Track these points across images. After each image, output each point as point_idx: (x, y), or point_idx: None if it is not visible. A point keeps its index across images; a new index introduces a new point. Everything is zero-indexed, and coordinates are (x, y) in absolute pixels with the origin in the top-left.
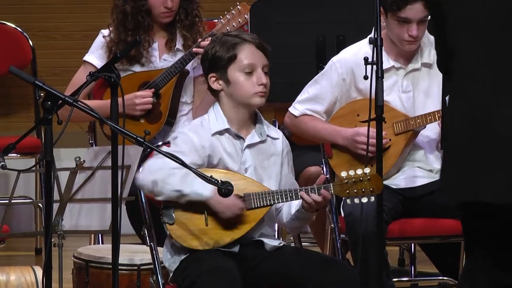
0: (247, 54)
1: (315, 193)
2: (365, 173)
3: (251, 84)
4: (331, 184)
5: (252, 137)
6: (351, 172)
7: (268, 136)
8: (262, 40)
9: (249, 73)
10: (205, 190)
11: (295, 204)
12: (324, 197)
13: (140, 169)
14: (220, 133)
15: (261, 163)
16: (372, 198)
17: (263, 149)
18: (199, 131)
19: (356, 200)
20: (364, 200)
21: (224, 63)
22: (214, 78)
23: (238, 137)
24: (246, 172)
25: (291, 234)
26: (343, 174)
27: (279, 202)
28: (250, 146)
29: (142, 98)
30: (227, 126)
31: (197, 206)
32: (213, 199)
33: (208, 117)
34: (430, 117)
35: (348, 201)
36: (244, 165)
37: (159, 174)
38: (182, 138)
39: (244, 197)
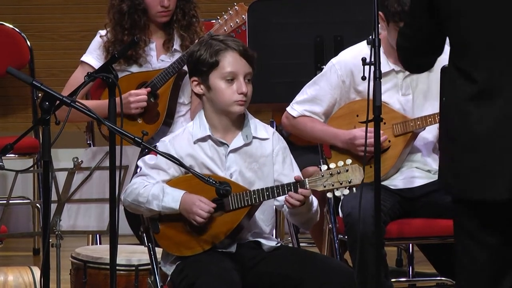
0: (230, 62)
1: (291, 191)
2: (344, 164)
3: (232, 92)
4: (306, 179)
5: (237, 141)
6: (332, 165)
7: (255, 137)
8: (247, 48)
9: (230, 80)
10: (174, 203)
11: None
12: (302, 194)
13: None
14: (203, 139)
15: (249, 166)
16: (353, 190)
17: (250, 152)
18: (180, 141)
19: (337, 193)
20: (345, 192)
21: (206, 69)
22: (196, 82)
23: (221, 143)
24: (232, 177)
25: (289, 234)
26: (323, 167)
27: (258, 202)
28: (234, 150)
29: (136, 96)
30: (208, 133)
31: (177, 215)
32: (181, 209)
33: (192, 124)
34: (430, 119)
35: (329, 194)
36: (229, 171)
37: (132, 196)
38: (162, 149)
39: (221, 200)
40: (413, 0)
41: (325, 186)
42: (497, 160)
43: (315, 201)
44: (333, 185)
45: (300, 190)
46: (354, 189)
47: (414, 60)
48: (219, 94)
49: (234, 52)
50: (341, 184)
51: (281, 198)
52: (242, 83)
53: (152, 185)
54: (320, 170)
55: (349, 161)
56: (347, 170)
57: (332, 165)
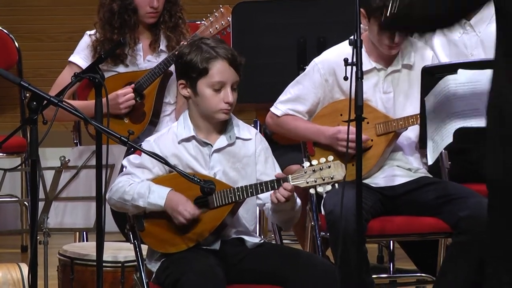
0: (219, 71)
1: (275, 187)
2: (326, 161)
3: (218, 100)
4: (289, 176)
5: (220, 141)
6: (314, 162)
7: (238, 138)
8: (236, 55)
9: (217, 89)
10: (159, 200)
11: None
12: (285, 189)
13: (108, 189)
14: (187, 140)
15: (233, 166)
16: (335, 186)
17: (233, 152)
18: (165, 141)
19: (320, 189)
20: (328, 188)
21: (195, 75)
22: (183, 85)
23: (205, 143)
24: (215, 176)
25: (272, 232)
26: (305, 164)
27: (241, 199)
28: (218, 150)
29: (123, 96)
30: (192, 133)
31: (161, 212)
32: (166, 206)
33: (177, 124)
34: (412, 120)
35: (311, 191)
36: (213, 170)
37: (118, 194)
38: (147, 148)
39: (205, 198)
40: None
41: (307, 183)
42: None
43: (298, 201)
44: (315, 182)
45: (284, 184)
46: (336, 185)
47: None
48: (206, 101)
49: (224, 61)
50: (323, 180)
51: (263, 196)
52: (229, 92)
53: (138, 183)
54: (303, 167)
55: (331, 157)
56: (329, 167)
57: (314, 162)
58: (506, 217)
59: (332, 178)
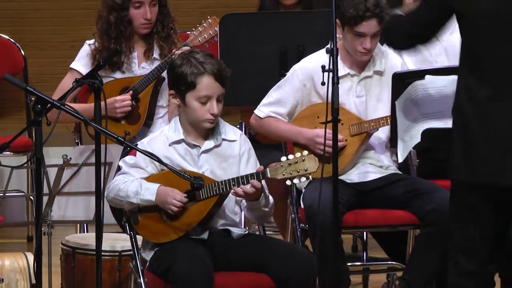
0: (206, 86)
1: (254, 179)
2: (301, 155)
3: (204, 111)
4: (267, 168)
5: (208, 143)
6: (290, 156)
7: (224, 139)
8: (222, 69)
9: (204, 102)
10: (150, 195)
11: None
12: (253, 186)
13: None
14: (177, 142)
15: (220, 165)
16: (310, 178)
17: (220, 152)
18: (157, 143)
19: (296, 181)
20: (303, 180)
21: (183, 88)
22: (173, 95)
23: (194, 145)
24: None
25: (256, 223)
26: (282, 158)
27: (225, 191)
28: (206, 151)
29: (121, 102)
30: (182, 137)
31: (154, 206)
32: (157, 201)
33: (168, 127)
34: (382, 121)
35: (288, 182)
36: (201, 169)
37: (114, 191)
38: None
39: (193, 192)
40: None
41: (284, 175)
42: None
43: (271, 200)
44: (291, 174)
45: (251, 180)
46: (310, 177)
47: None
48: (193, 112)
49: (210, 76)
50: (298, 172)
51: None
52: (214, 105)
53: (131, 181)
54: (281, 161)
55: (305, 152)
56: (303, 160)
57: (290, 156)
58: (466, 210)
59: (306, 170)
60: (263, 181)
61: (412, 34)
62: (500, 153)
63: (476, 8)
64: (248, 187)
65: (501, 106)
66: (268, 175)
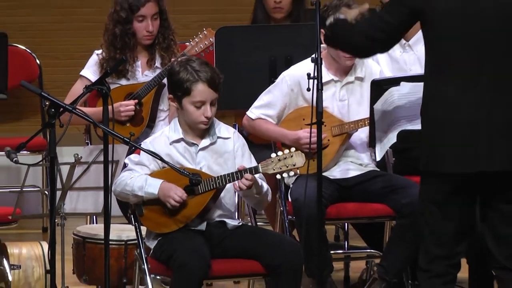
0: (200, 92)
1: (247, 173)
2: (289, 152)
3: (199, 114)
4: (259, 164)
5: (205, 141)
6: (279, 153)
7: (219, 137)
8: (215, 76)
9: (198, 106)
10: (154, 189)
11: None
12: (246, 179)
13: (114, 183)
14: (177, 141)
15: (216, 161)
16: (298, 172)
17: (216, 149)
18: (158, 142)
19: (285, 175)
20: (291, 174)
21: (180, 94)
22: (171, 99)
23: (192, 143)
24: (201, 170)
25: (249, 215)
26: (273, 155)
27: (221, 185)
28: (203, 149)
29: (125, 107)
30: (181, 136)
31: (156, 200)
32: (159, 194)
33: (168, 128)
34: (361, 123)
35: (278, 176)
36: (199, 165)
37: (121, 186)
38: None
39: (192, 187)
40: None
41: (274, 169)
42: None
43: (265, 186)
44: (280, 168)
45: (245, 175)
46: (298, 171)
47: (371, 48)
48: (188, 115)
49: (204, 83)
50: (287, 167)
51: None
52: (208, 109)
53: (136, 177)
54: (271, 157)
55: (293, 149)
56: (292, 156)
57: (279, 153)
58: (433, 199)
59: (294, 165)
60: (259, 173)
61: (374, 38)
62: (460, 142)
63: (436, 7)
64: (243, 181)
65: (465, 99)
66: (260, 170)
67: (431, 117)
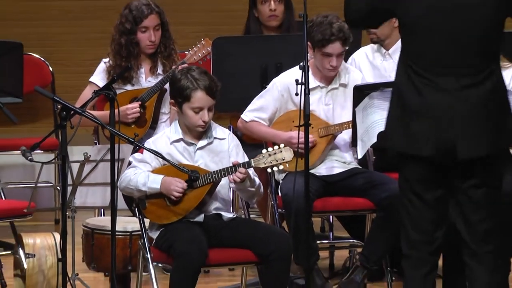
0: (198, 99)
1: (241, 167)
2: (279, 147)
3: (197, 118)
4: (251, 159)
5: (202, 141)
6: (269, 148)
7: (216, 138)
8: (213, 83)
9: (197, 111)
10: (156, 184)
11: None
12: (240, 172)
13: (119, 180)
14: (177, 141)
15: (212, 159)
16: (286, 166)
17: (212, 149)
18: (160, 142)
19: (275, 169)
20: (281, 167)
21: (180, 100)
22: (172, 104)
23: (190, 143)
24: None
25: (242, 208)
26: (263, 151)
27: (217, 179)
28: (200, 148)
29: (132, 109)
30: (181, 136)
31: (158, 194)
32: (161, 188)
33: (169, 129)
34: (345, 125)
35: (269, 170)
36: (197, 163)
37: (125, 182)
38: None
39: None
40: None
41: (265, 163)
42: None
43: (257, 180)
44: (271, 162)
45: (239, 169)
46: (287, 165)
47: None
48: (188, 119)
49: (203, 91)
50: (277, 161)
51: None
52: (205, 114)
53: (140, 173)
54: (262, 153)
55: (282, 144)
56: (281, 151)
57: (270, 148)
58: (408, 185)
59: (283, 160)
60: (252, 169)
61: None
62: (430, 126)
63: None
64: (237, 174)
65: (438, 86)
66: (252, 164)
67: (405, 102)
